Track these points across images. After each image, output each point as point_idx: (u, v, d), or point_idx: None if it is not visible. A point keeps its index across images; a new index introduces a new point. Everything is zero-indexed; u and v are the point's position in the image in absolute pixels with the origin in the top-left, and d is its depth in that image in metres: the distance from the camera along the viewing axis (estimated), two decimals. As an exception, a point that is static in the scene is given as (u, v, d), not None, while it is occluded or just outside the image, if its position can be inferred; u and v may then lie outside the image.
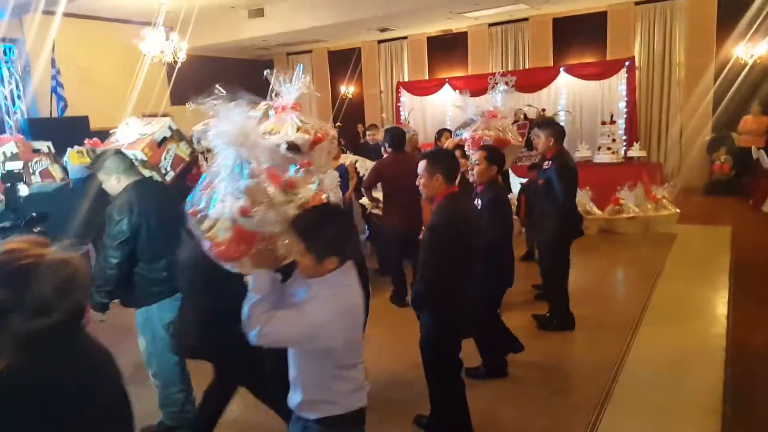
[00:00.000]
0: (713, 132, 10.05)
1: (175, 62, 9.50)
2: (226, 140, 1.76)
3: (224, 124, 1.78)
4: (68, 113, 9.82)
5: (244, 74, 14.77)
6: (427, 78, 12.73)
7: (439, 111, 11.85)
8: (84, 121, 9.55)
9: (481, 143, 4.12)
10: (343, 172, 5.27)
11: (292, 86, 3.02)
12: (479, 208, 3.47)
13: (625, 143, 9.09)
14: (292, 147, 2.59)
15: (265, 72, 3.16)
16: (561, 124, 6.25)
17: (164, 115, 12.37)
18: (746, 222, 7.40)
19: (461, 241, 2.68)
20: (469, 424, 2.88)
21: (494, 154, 3.51)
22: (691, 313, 4.60)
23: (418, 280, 2.84)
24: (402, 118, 11.82)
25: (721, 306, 4.65)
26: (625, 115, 10.02)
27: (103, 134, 8.58)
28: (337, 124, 11.61)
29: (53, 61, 9.75)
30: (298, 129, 2.90)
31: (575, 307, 4.51)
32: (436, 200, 2.78)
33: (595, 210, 7.30)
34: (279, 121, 3.00)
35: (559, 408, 3.24)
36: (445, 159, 2.85)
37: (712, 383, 3.41)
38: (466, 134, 4.58)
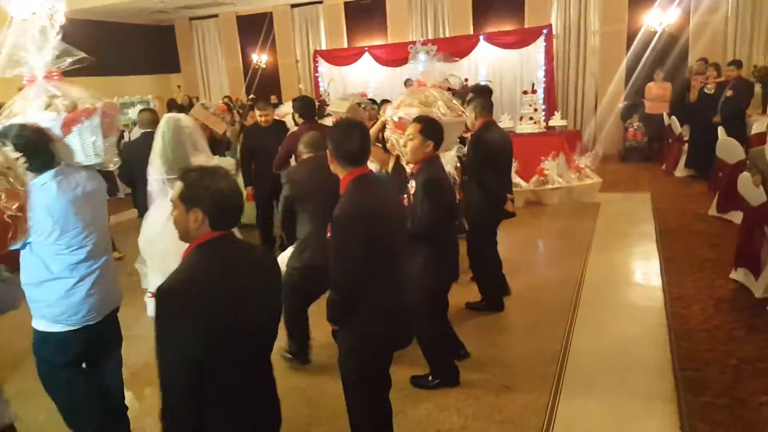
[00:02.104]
0: (626, 99, 10.29)
1: (52, 27, 8.22)
2: None
3: None
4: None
5: (142, 42, 13.58)
6: (345, 46, 12.08)
7: (361, 81, 11.33)
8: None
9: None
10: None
11: (43, 48, 2.38)
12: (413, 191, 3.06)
13: (544, 113, 9.07)
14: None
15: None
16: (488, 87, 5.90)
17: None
18: (662, 188, 7.60)
19: (375, 233, 2.17)
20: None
21: (429, 126, 2.99)
22: (627, 289, 4.55)
23: (331, 289, 2.30)
24: (321, 88, 11.17)
25: (654, 278, 4.63)
26: (543, 84, 10.06)
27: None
28: (250, 96, 10.75)
29: None
30: (48, 106, 2.37)
31: (509, 285, 4.32)
32: (341, 185, 2.28)
33: (521, 182, 7.18)
34: (25, 96, 2.42)
35: (509, 410, 2.97)
36: (337, 134, 2.32)
37: (661, 366, 3.29)
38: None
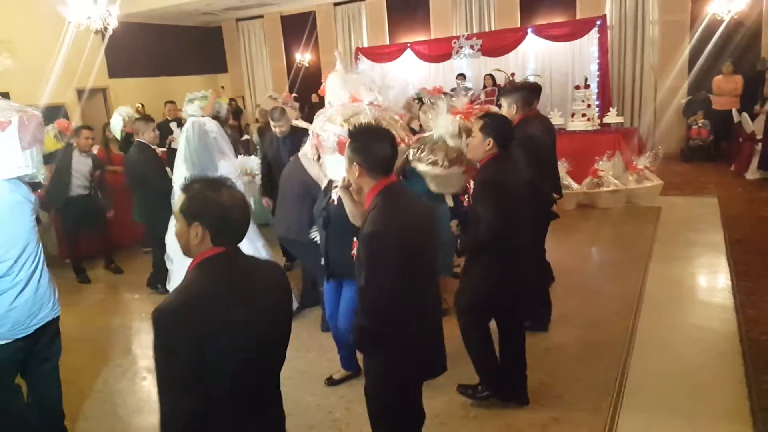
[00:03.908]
0: (689, 94, 9.57)
1: (105, 29, 8.37)
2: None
3: None
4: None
5: (191, 43, 13.81)
6: (387, 43, 11.83)
7: (402, 78, 11.05)
8: (4, 97, 8.41)
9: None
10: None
11: None
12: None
13: (598, 108, 8.53)
14: None
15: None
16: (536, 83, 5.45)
17: (103, 88, 11.21)
18: (732, 192, 6.95)
19: (410, 250, 1.95)
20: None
21: (491, 123, 2.75)
22: (694, 309, 4.08)
23: (359, 314, 2.07)
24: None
25: (725, 296, 4.13)
26: (597, 79, 9.47)
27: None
28: (293, 94, 10.68)
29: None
30: None
31: (558, 301, 3.94)
32: (366, 199, 2.07)
33: (573, 183, 6.74)
34: None
35: (559, 448, 2.65)
36: (365, 141, 2.07)
37: (734, 402, 2.87)
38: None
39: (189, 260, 1.54)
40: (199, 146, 3.72)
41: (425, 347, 2.12)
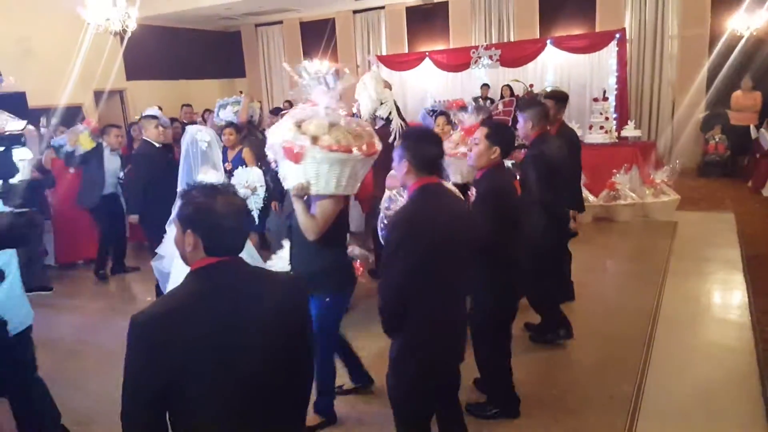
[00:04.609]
0: (707, 109, 9.50)
1: (124, 32, 8.50)
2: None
3: None
4: (3, 89, 8.82)
5: (209, 47, 13.93)
6: (406, 51, 11.88)
7: (420, 87, 11.10)
8: (21, 97, 8.58)
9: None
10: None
11: None
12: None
13: (616, 122, 8.49)
14: None
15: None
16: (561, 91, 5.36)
17: (120, 90, 11.29)
18: (748, 207, 6.89)
19: (430, 243, 2.04)
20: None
21: (497, 131, 2.77)
22: (710, 325, 4.06)
23: (379, 294, 2.20)
24: (378, 94, 10.99)
25: (742, 314, 4.10)
26: (615, 92, 9.43)
27: (43, 112, 7.70)
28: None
29: (-15, 31, 8.69)
30: None
31: (574, 314, 3.92)
32: (408, 192, 2.22)
33: (589, 196, 6.70)
34: None
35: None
36: (415, 141, 2.20)
37: (752, 424, 2.84)
38: None
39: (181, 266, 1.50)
40: (184, 154, 3.74)
41: (442, 336, 2.16)
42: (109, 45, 10.05)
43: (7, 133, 3.11)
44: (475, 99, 9.33)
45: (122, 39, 9.65)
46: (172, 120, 7.09)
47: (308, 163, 2.52)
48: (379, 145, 2.75)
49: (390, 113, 4.83)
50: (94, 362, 3.96)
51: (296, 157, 2.51)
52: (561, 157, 3.65)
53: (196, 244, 1.44)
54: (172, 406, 1.40)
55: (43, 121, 7.26)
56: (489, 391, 3.03)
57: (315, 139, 2.52)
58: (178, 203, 1.51)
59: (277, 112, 6.35)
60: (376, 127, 4.77)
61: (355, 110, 5.05)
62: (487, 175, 2.77)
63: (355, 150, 2.54)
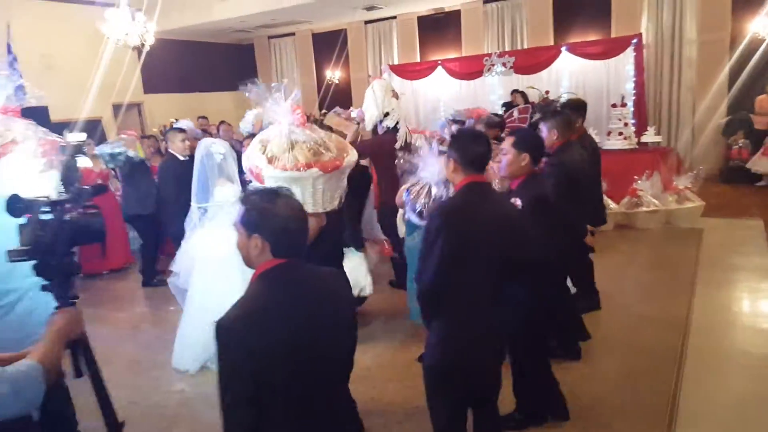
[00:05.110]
0: (728, 114, 9.33)
1: (143, 46, 8.59)
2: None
3: None
4: (26, 103, 8.94)
5: (223, 60, 14.08)
6: (418, 60, 11.87)
7: (432, 96, 11.05)
8: (44, 111, 8.69)
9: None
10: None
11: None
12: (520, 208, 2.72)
13: (634, 127, 8.36)
14: None
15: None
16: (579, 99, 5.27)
17: (138, 103, 11.44)
18: (776, 214, 6.70)
19: (468, 236, 2.10)
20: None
21: (524, 138, 2.73)
22: (743, 335, 3.89)
23: (415, 281, 2.28)
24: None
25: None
26: (633, 97, 9.29)
27: (64, 126, 7.80)
28: (323, 111, 10.75)
29: (9, 46, 8.83)
30: None
31: (600, 324, 3.79)
32: (455, 188, 2.30)
33: (610, 203, 6.57)
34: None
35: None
36: (464, 140, 2.28)
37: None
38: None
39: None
40: (199, 167, 3.71)
41: (473, 329, 2.14)
42: (127, 59, 10.17)
43: (73, 143, 3.29)
44: (506, 105, 9.24)
45: (140, 53, 9.77)
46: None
47: (269, 184, 2.53)
48: (350, 158, 2.75)
49: (397, 123, 4.95)
50: (121, 370, 3.93)
51: (258, 178, 2.60)
52: (583, 166, 3.56)
53: (263, 248, 1.49)
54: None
55: (66, 134, 7.34)
56: (518, 396, 2.93)
57: (272, 160, 2.57)
58: (240, 209, 1.54)
59: None
60: (380, 134, 5.01)
61: (354, 114, 5.18)
62: (526, 185, 2.72)
63: (314, 168, 2.56)
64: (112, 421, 1.85)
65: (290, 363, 1.43)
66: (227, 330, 1.41)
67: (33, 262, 1.69)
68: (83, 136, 4.32)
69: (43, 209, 1.72)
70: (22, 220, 1.73)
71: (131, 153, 5.72)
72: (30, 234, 1.67)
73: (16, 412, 1.37)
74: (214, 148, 3.72)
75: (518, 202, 2.62)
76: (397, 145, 4.83)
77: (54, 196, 2.55)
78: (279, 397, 1.43)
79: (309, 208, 2.59)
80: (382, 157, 4.85)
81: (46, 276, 1.71)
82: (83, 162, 3.61)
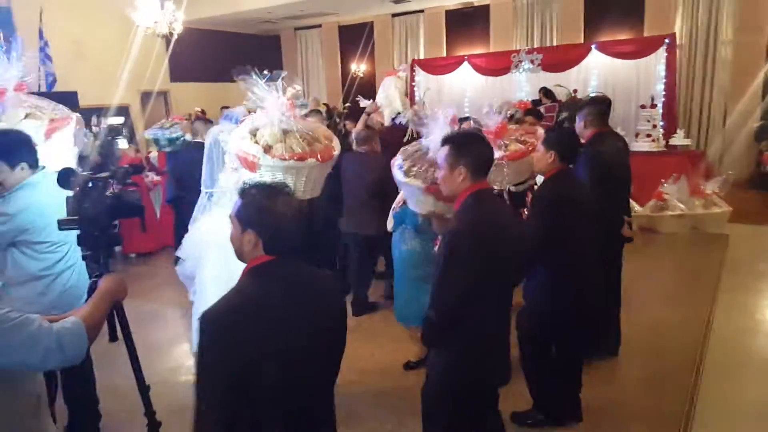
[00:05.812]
0: (762, 119, 9.06)
1: (171, 34, 8.69)
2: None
3: None
4: (57, 88, 9.13)
5: (250, 50, 14.18)
6: (444, 55, 11.78)
7: (458, 92, 10.96)
8: (73, 97, 8.86)
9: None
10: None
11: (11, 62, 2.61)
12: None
13: (663, 129, 8.17)
14: None
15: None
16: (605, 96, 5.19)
17: (164, 92, 11.52)
18: (807, 223, 6.50)
19: (492, 253, 1.94)
20: None
21: (554, 136, 2.70)
22: (765, 343, 3.80)
23: (430, 308, 2.04)
24: (416, 98, 10.94)
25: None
26: (663, 99, 9.08)
27: (93, 111, 7.96)
28: (346, 104, 10.75)
29: (41, 32, 9.02)
30: (27, 116, 2.56)
31: (621, 326, 3.71)
32: (458, 200, 2.06)
33: (635, 205, 6.44)
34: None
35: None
36: (473, 144, 2.06)
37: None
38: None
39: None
40: (208, 153, 3.74)
41: (492, 350, 2.06)
42: (156, 47, 10.31)
43: (113, 125, 3.45)
44: (533, 102, 9.11)
45: (168, 42, 9.90)
46: (209, 121, 7.22)
47: (264, 172, 2.52)
48: (337, 149, 2.74)
49: (408, 120, 5.33)
50: (140, 353, 3.97)
51: (251, 167, 2.54)
52: (619, 157, 3.48)
53: (256, 244, 1.47)
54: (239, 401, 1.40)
55: (94, 120, 7.50)
56: (534, 395, 2.91)
57: (268, 149, 2.52)
58: (238, 201, 1.50)
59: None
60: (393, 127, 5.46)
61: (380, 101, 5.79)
62: (547, 183, 2.72)
63: (309, 158, 2.54)
64: (142, 384, 2.08)
65: (275, 360, 1.39)
66: (212, 322, 1.38)
67: (78, 233, 1.81)
68: (121, 119, 4.43)
69: (89, 184, 1.83)
70: (69, 192, 1.86)
71: (188, 137, 5.79)
72: (75, 205, 1.79)
73: (59, 365, 1.48)
74: (222, 136, 3.75)
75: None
76: (405, 139, 5.15)
77: (86, 172, 2.69)
78: (264, 396, 1.40)
79: (299, 197, 2.57)
80: (392, 146, 4.98)
81: (88, 246, 1.83)
82: (121, 143, 3.70)
